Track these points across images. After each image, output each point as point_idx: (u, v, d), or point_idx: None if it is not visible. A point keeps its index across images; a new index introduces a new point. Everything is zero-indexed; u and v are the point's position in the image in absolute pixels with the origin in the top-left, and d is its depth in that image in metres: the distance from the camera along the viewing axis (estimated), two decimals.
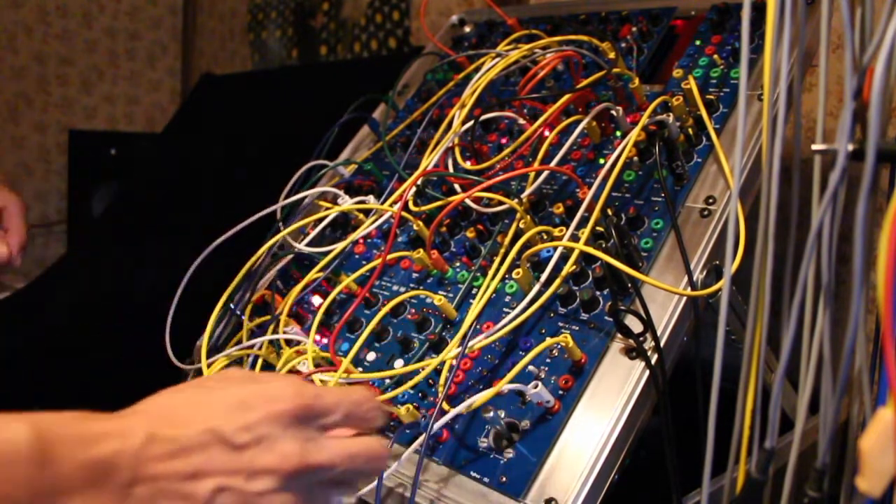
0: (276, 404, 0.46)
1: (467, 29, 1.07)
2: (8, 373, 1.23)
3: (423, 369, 0.68)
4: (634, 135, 0.71)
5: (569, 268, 0.68)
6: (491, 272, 0.73)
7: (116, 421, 0.44)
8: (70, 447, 0.41)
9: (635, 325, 0.63)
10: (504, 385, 0.62)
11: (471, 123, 0.81)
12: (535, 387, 0.61)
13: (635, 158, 0.74)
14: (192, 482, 0.44)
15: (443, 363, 0.67)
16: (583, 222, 0.69)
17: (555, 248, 0.69)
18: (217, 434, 0.45)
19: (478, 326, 0.71)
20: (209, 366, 0.78)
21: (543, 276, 0.67)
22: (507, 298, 0.72)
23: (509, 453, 0.62)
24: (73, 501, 0.41)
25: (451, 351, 0.68)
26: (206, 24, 2.65)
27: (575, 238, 0.69)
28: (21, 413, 0.42)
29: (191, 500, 0.44)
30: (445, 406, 0.64)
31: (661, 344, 0.62)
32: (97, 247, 1.77)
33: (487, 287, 0.72)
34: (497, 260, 0.73)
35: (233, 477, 0.45)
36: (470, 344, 0.66)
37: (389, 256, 0.81)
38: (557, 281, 0.67)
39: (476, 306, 0.71)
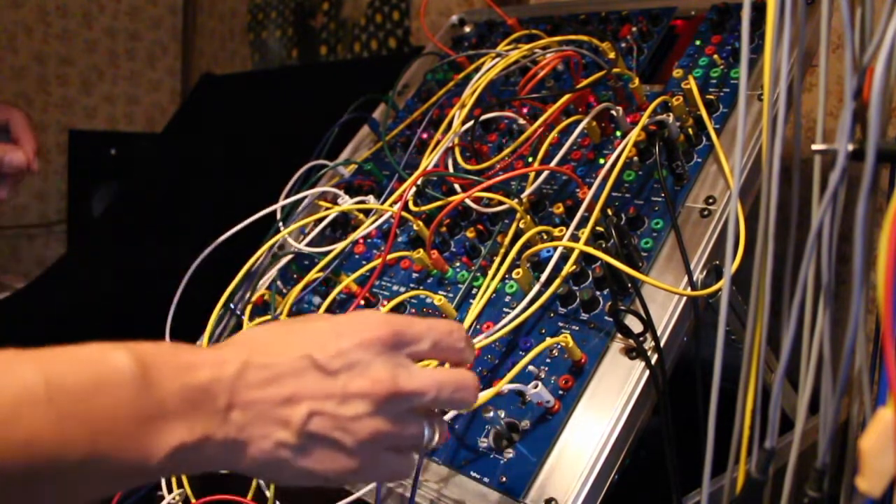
0: (368, 331, 0.48)
1: (467, 29, 1.07)
2: None
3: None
4: (634, 135, 0.71)
5: (569, 268, 0.68)
6: (491, 272, 0.73)
7: (211, 351, 0.46)
8: (169, 374, 0.43)
9: (635, 325, 0.63)
10: (504, 385, 0.62)
11: (471, 123, 0.81)
12: (536, 387, 0.61)
13: (635, 158, 0.74)
14: (287, 406, 0.45)
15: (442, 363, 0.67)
16: (583, 222, 0.69)
17: (555, 248, 0.69)
18: (311, 360, 0.46)
19: (478, 326, 0.71)
20: None
21: (543, 276, 0.67)
22: (507, 298, 0.72)
23: (509, 453, 0.62)
24: (175, 423, 0.43)
25: None
26: (206, 24, 2.65)
27: (575, 238, 0.69)
28: (118, 342, 0.44)
29: (286, 424, 0.45)
30: None
31: (661, 344, 0.62)
32: (97, 247, 1.77)
33: (487, 287, 0.72)
34: (497, 260, 0.73)
35: (326, 401, 0.46)
36: None
37: (389, 256, 0.81)
38: (557, 281, 0.67)
39: (476, 306, 0.71)
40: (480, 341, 0.67)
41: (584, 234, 0.68)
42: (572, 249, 0.68)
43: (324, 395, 0.46)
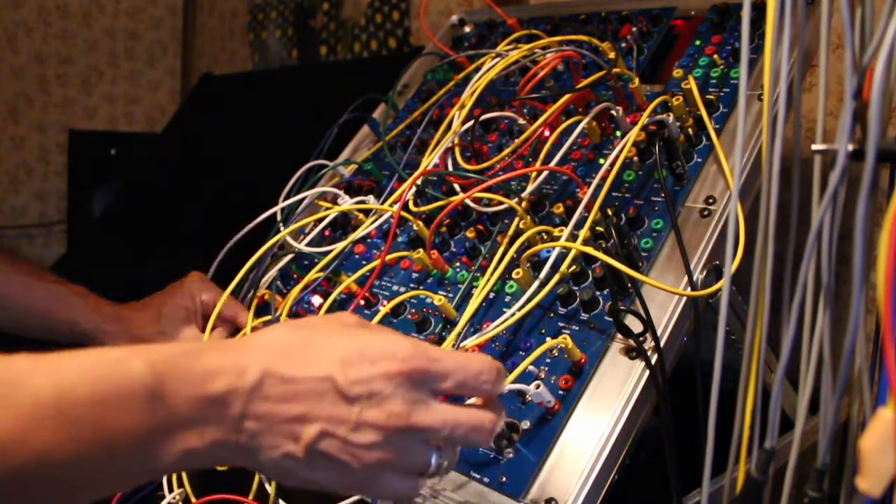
0: (394, 363, 0.47)
1: (467, 29, 1.07)
2: None
3: None
4: (634, 135, 0.71)
5: (566, 268, 0.68)
6: (489, 272, 0.72)
7: (232, 355, 0.46)
8: (185, 383, 0.44)
9: (635, 325, 0.63)
10: (505, 386, 0.61)
11: (471, 123, 0.81)
12: (538, 387, 0.61)
13: (635, 158, 0.74)
14: (300, 423, 0.46)
15: None
16: (582, 222, 0.69)
17: (554, 248, 0.69)
18: (332, 383, 0.46)
19: (477, 326, 0.71)
20: None
21: (542, 276, 0.67)
22: (507, 298, 0.72)
23: (509, 453, 0.62)
24: (186, 431, 0.44)
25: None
26: (206, 24, 2.65)
27: (574, 238, 0.69)
28: (137, 347, 0.44)
29: (296, 439, 0.46)
30: None
31: (661, 344, 0.62)
32: (97, 247, 1.77)
33: (484, 287, 0.72)
34: (496, 259, 0.73)
35: (339, 425, 0.46)
36: (464, 343, 0.66)
37: (389, 256, 0.81)
38: (554, 279, 0.67)
39: (472, 305, 0.71)
40: (473, 340, 0.67)
41: (583, 233, 0.68)
42: (572, 249, 0.68)
43: (338, 420, 0.46)
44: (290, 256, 0.89)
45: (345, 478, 0.47)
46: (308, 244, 0.88)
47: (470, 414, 0.49)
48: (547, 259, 0.68)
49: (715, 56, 0.79)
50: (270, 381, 0.45)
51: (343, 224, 0.92)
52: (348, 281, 0.80)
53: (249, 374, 0.45)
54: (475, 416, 0.50)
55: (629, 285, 0.65)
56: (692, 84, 0.74)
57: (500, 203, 0.76)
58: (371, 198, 0.88)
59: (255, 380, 0.45)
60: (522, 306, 0.66)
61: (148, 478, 0.45)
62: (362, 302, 0.81)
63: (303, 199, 0.94)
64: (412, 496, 0.51)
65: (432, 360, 0.48)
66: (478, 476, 0.62)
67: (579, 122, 0.76)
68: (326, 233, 0.92)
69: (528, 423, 0.63)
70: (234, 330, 0.85)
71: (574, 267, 0.69)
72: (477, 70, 0.87)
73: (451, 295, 0.77)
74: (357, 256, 0.88)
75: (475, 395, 0.52)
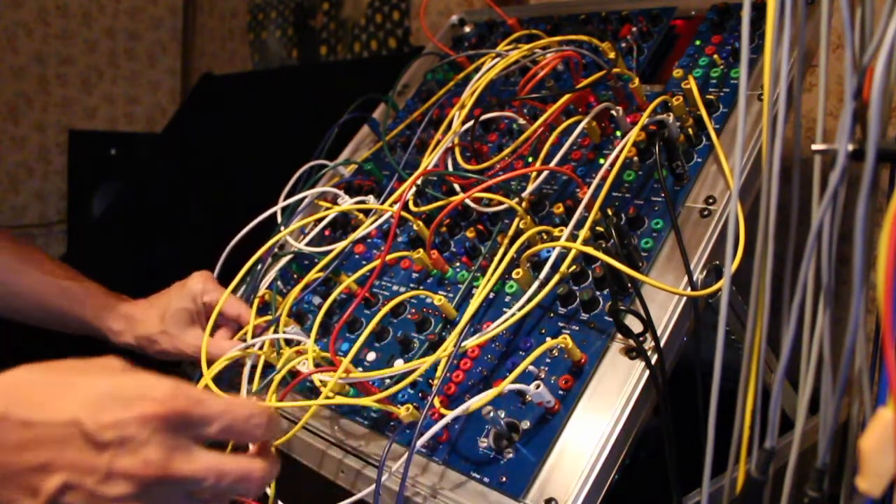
0: (150, 404, 0.43)
1: (467, 29, 1.07)
2: None
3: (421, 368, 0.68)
4: (634, 135, 0.71)
5: (566, 268, 0.68)
6: (489, 272, 0.72)
7: None
8: None
9: (635, 325, 0.63)
10: (506, 386, 0.62)
11: (471, 123, 0.81)
12: (538, 387, 0.61)
13: (635, 158, 0.74)
14: (40, 474, 0.42)
15: (438, 361, 0.67)
16: (582, 222, 0.69)
17: (554, 248, 0.69)
18: (79, 428, 0.42)
19: (478, 326, 0.71)
20: (209, 366, 0.78)
21: (542, 276, 0.67)
22: (508, 298, 0.72)
23: (509, 453, 0.62)
24: None
25: (447, 349, 0.68)
26: (206, 24, 2.65)
27: (574, 238, 0.69)
28: None
29: (34, 492, 0.42)
30: (444, 411, 0.64)
31: (661, 344, 0.62)
32: (97, 247, 1.77)
33: (484, 287, 0.72)
34: (496, 260, 0.73)
35: (86, 476, 0.42)
36: (465, 343, 0.66)
37: (389, 256, 0.81)
38: (554, 279, 0.67)
39: (473, 305, 0.71)
40: (474, 340, 0.67)
41: (583, 233, 0.68)
42: (572, 249, 0.68)
43: (85, 469, 0.42)
44: (289, 256, 0.89)
45: None
46: (308, 244, 0.88)
47: (237, 462, 0.45)
48: (547, 259, 0.68)
49: (715, 56, 0.79)
50: (6, 426, 0.41)
51: (343, 224, 0.92)
52: (348, 281, 0.80)
53: None
54: (242, 464, 0.46)
55: (629, 285, 0.65)
56: (692, 84, 0.74)
57: (500, 203, 0.76)
58: (371, 198, 0.88)
59: None
60: (522, 306, 0.66)
61: None
62: (362, 302, 0.81)
63: (303, 199, 0.94)
64: None
65: (195, 401, 0.44)
66: (478, 476, 0.62)
67: (579, 122, 0.76)
68: (326, 233, 0.92)
69: (528, 423, 0.63)
70: (239, 329, 0.85)
71: (574, 267, 0.69)
72: (477, 70, 0.87)
73: (451, 295, 0.77)
74: (357, 256, 0.88)
75: (244, 441, 0.48)
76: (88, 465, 0.42)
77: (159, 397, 0.43)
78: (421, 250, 0.79)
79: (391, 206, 0.83)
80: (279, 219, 0.92)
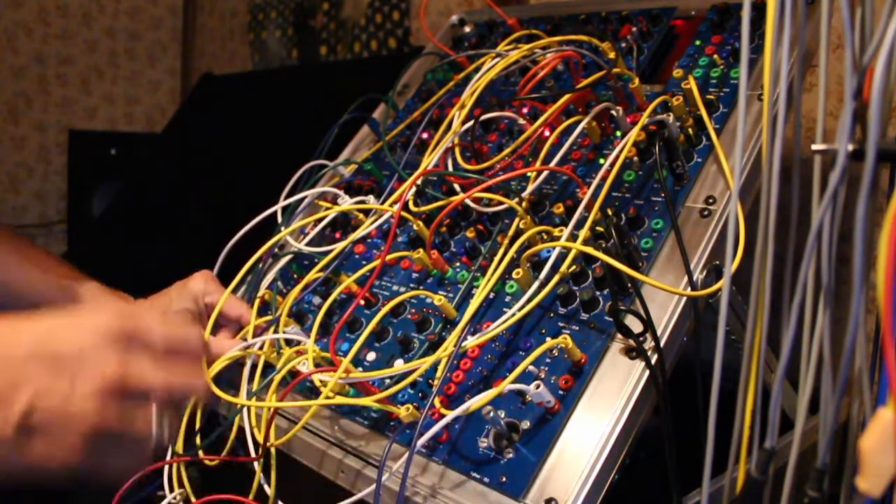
0: (100, 323, 0.48)
1: (467, 29, 1.07)
2: None
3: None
4: (634, 135, 0.71)
5: (566, 268, 0.68)
6: (489, 272, 0.72)
7: None
8: None
9: (635, 325, 0.63)
10: (506, 386, 0.62)
11: (471, 123, 0.81)
12: (538, 387, 0.60)
13: (635, 158, 0.74)
14: (4, 404, 0.45)
15: (438, 361, 0.67)
16: (582, 222, 0.69)
17: (554, 248, 0.69)
18: (41, 348, 0.46)
19: (478, 326, 0.71)
20: (209, 366, 0.78)
21: (542, 276, 0.67)
22: (508, 298, 0.72)
23: (509, 453, 0.62)
24: None
25: (447, 349, 0.68)
26: (206, 24, 2.65)
27: (574, 238, 0.69)
28: None
29: (6, 403, 0.45)
30: (444, 411, 0.64)
31: (661, 344, 0.62)
32: (97, 247, 1.77)
33: (485, 287, 0.72)
34: (496, 260, 0.73)
35: (52, 387, 0.46)
36: (465, 343, 0.66)
37: (389, 256, 0.81)
38: (554, 279, 0.67)
39: (473, 305, 0.71)
40: (474, 340, 0.67)
41: (583, 233, 0.68)
42: (572, 249, 0.68)
43: (49, 381, 0.46)
44: (289, 256, 0.89)
45: (62, 457, 0.46)
46: (308, 244, 0.88)
47: (181, 369, 0.51)
48: (547, 259, 0.68)
49: (715, 56, 0.79)
50: None
51: (343, 224, 0.92)
52: (348, 281, 0.80)
53: None
54: (186, 370, 0.52)
55: (629, 285, 0.65)
56: (692, 84, 0.74)
57: (500, 203, 0.76)
58: (371, 198, 0.88)
59: None
60: (522, 306, 0.66)
61: None
62: (362, 302, 0.81)
63: (303, 199, 0.94)
64: (136, 471, 0.52)
65: (138, 317, 0.50)
66: (477, 476, 0.62)
67: (579, 122, 0.76)
68: (337, 235, 0.92)
69: (528, 423, 0.63)
70: (240, 329, 0.85)
71: (574, 267, 0.69)
72: (477, 70, 0.87)
73: (451, 295, 0.77)
74: (357, 256, 0.88)
75: (181, 349, 0.54)
76: (54, 377, 0.46)
77: (106, 318, 0.48)
78: (421, 250, 0.79)
79: (391, 206, 0.83)
80: (279, 219, 0.92)
